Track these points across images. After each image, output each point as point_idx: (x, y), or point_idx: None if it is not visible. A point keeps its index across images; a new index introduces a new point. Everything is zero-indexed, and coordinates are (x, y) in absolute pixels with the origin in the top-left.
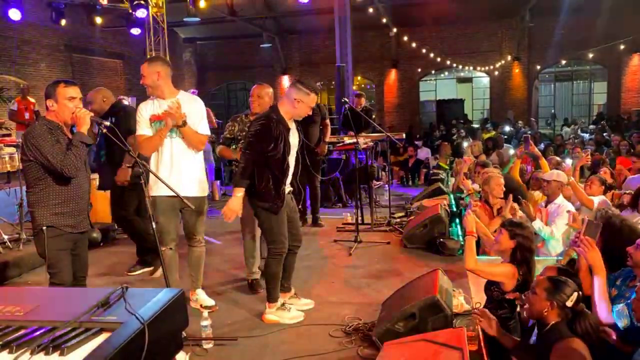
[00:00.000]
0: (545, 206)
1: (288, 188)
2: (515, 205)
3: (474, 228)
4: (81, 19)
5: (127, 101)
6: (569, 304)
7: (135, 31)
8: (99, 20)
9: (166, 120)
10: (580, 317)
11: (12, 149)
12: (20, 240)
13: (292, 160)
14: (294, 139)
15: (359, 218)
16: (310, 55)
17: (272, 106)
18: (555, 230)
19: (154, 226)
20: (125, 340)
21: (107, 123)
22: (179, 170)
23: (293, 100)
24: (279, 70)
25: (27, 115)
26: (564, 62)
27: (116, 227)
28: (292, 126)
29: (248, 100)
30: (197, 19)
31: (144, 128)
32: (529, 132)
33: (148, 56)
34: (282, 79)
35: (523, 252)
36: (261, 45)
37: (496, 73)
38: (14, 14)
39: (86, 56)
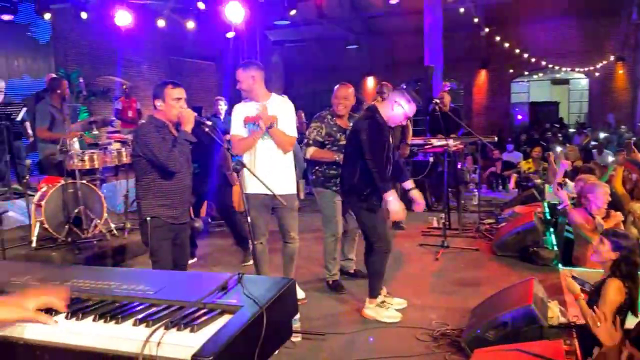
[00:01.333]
0: None
1: None
2: (620, 216)
3: (577, 289)
4: (178, 23)
5: (223, 102)
6: None
7: (230, 34)
8: (193, 24)
9: (260, 123)
10: None
11: (119, 145)
12: (125, 229)
13: (389, 162)
14: (392, 140)
15: (446, 222)
16: (396, 56)
17: (371, 107)
18: None
19: (249, 220)
20: (246, 322)
21: (209, 123)
22: (269, 169)
23: (394, 103)
24: (364, 71)
25: (130, 114)
26: None
27: (210, 220)
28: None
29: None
30: (287, 22)
31: (237, 129)
32: (633, 138)
33: (241, 59)
34: (366, 81)
35: (628, 265)
36: (347, 47)
37: (596, 74)
38: (122, 20)
39: (182, 58)
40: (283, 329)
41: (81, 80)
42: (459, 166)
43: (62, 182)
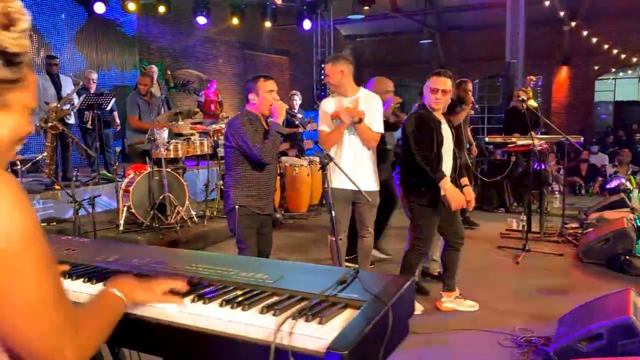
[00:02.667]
0: None
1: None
2: None
3: None
4: (254, 17)
5: (298, 96)
6: None
7: (307, 24)
8: (269, 19)
9: (343, 117)
10: None
11: (202, 136)
12: (205, 217)
13: (447, 155)
14: (446, 132)
15: (528, 226)
16: (470, 52)
17: (421, 103)
18: None
19: (332, 214)
20: (376, 318)
21: (300, 115)
22: (355, 164)
23: (426, 88)
24: (436, 66)
25: (212, 107)
26: None
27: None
28: (442, 119)
29: (407, 96)
30: (361, 16)
31: (324, 124)
32: None
33: (314, 54)
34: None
35: None
36: (420, 42)
37: None
38: (201, 20)
39: (256, 52)
40: (402, 327)
41: (168, 72)
42: (542, 167)
43: (149, 169)
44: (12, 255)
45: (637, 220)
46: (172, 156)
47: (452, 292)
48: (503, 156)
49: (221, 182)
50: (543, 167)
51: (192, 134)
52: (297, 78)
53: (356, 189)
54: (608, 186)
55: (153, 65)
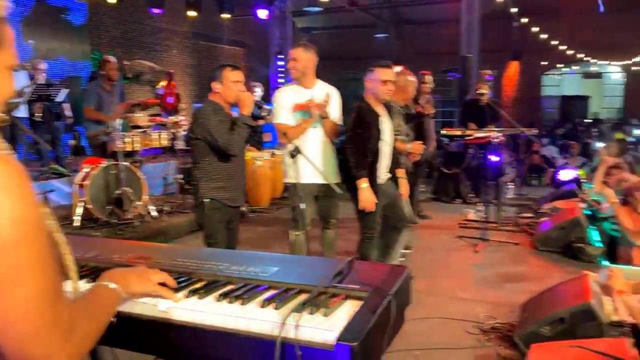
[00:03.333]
0: None
1: (385, 175)
2: None
3: (620, 286)
4: (209, 7)
5: (259, 88)
6: None
7: (262, 13)
8: (225, 9)
9: (313, 112)
10: None
11: (160, 129)
12: (164, 212)
13: (386, 148)
14: (385, 125)
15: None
16: (425, 46)
17: (360, 96)
18: None
19: (300, 207)
20: (381, 308)
21: (268, 107)
22: (319, 157)
23: (366, 83)
24: (392, 60)
25: (170, 100)
26: None
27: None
28: (383, 112)
29: (361, 90)
30: (318, 9)
31: (284, 116)
32: None
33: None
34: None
35: None
36: (376, 36)
37: (633, 68)
38: (155, 9)
39: (211, 44)
40: (400, 317)
41: (127, 62)
42: (498, 159)
43: (105, 163)
44: (3, 248)
45: (588, 210)
46: (129, 149)
47: None
48: (459, 148)
49: (180, 175)
50: (499, 158)
51: (150, 126)
52: (253, 70)
53: (321, 182)
54: (557, 177)
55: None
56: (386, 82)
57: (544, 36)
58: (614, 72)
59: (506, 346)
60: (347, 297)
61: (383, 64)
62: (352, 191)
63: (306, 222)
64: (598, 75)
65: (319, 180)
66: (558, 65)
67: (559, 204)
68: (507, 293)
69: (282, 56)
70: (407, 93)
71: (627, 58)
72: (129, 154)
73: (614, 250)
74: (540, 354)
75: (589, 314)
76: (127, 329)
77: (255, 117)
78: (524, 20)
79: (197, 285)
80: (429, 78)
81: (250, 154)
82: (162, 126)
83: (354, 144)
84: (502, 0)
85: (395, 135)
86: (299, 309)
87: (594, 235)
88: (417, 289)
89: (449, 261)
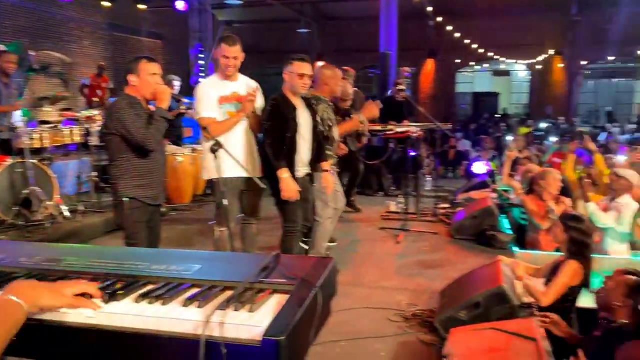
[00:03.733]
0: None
1: (304, 170)
2: (569, 202)
3: (521, 272)
4: None
5: (178, 82)
6: None
7: (180, 5)
8: (142, 1)
9: (245, 106)
10: None
11: (72, 124)
12: (78, 212)
13: (304, 141)
14: (303, 118)
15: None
16: (347, 42)
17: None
18: (610, 220)
19: (224, 203)
20: (307, 302)
21: (186, 101)
22: (244, 151)
23: (285, 76)
24: (314, 56)
25: (99, 93)
26: (611, 58)
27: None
28: (301, 105)
29: (282, 84)
30: (238, 2)
31: (210, 109)
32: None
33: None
34: (316, 65)
35: (578, 245)
36: (298, 31)
37: (537, 67)
38: None
39: (127, 35)
40: (327, 309)
41: (32, 53)
42: (417, 153)
43: (10, 161)
44: None
45: (499, 199)
46: (37, 146)
47: None
48: (380, 143)
49: (95, 173)
50: (417, 153)
51: (60, 122)
52: (172, 63)
53: (245, 176)
54: (471, 169)
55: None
56: (303, 75)
57: (457, 35)
58: (521, 70)
59: (427, 332)
60: (274, 291)
61: (301, 58)
62: (273, 184)
63: (231, 218)
64: (507, 73)
65: (243, 174)
66: (471, 64)
67: (472, 194)
68: (427, 280)
69: (203, 49)
70: (332, 87)
71: (531, 57)
72: (37, 151)
73: (524, 237)
74: (459, 338)
75: (501, 297)
76: (34, 337)
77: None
78: (439, 19)
79: (115, 288)
80: (352, 73)
81: (171, 149)
82: (75, 121)
83: (271, 136)
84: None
85: (326, 126)
86: (224, 306)
87: (505, 224)
88: (343, 280)
89: (373, 252)
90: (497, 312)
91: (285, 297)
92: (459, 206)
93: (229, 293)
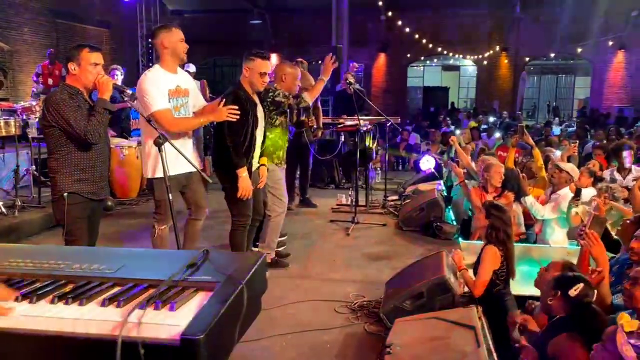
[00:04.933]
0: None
1: (256, 165)
2: (512, 197)
3: (462, 264)
4: None
5: (120, 72)
6: (573, 293)
7: None
8: None
9: (220, 114)
10: (587, 313)
11: (8, 116)
12: (16, 207)
13: (259, 136)
14: (260, 114)
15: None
16: (300, 35)
17: (237, 82)
18: (548, 212)
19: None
20: (231, 298)
21: (130, 92)
22: (185, 146)
23: (245, 70)
24: (267, 48)
25: (51, 82)
26: (552, 55)
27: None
28: (258, 101)
29: (234, 75)
30: None
31: (163, 101)
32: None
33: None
34: (270, 57)
35: (497, 232)
36: (251, 22)
37: (484, 63)
38: None
39: (72, 23)
40: (256, 305)
41: None
42: (366, 146)
43: None
44: None
45: (445, 192)
46: None
47: None
48: (331, 136)
49: (34, 167)
50: (367, 145)
51: None
52: (118, 52)
53: (189, 171)
54: (419, 162)
55: None
56: (264, 74)
57: (407, 30)
58: (469, 65)
59: (373, 322)
60: (199, 289)
61: (263, 55)
62: (226, 178)
63: (172, 215)
64: (456, 68)
65: (188, 169)
66: (421, 58)
67: (420, 187)
68: (374, 272)
69: (151, 39)
70: (289, 84)
71: (479, 53)
72: None
73: (469, 228)
74: (403, 328)
75: (443, 287)
76: None
77: (116, 102)
78: (390, 14)
79: (31, 288)
80: (305, 65)
81: (116, 141)
82: (12, 112)
83: (233, 131)
84: None
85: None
86: (144, 305)
87: (450, 215)
88: (291, 274)
89: (323, 245)
90: (440, 301)
91: (209, 294)
92: (408, 198)
93: (152, 291)
